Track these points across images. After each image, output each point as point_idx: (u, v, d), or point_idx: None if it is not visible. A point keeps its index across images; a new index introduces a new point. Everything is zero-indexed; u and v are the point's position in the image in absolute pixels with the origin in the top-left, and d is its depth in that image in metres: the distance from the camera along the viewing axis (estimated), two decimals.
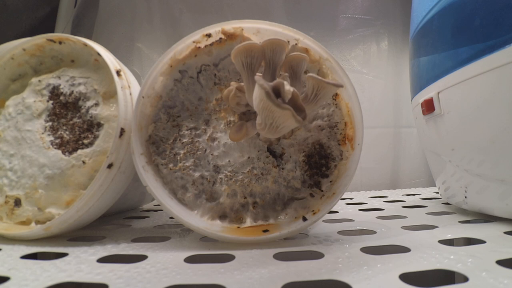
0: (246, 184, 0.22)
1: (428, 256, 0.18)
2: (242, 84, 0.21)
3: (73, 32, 0.51)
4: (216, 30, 0.23)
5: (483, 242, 0.20)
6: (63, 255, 0.20)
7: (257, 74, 0.19)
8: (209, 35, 0.23)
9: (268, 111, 0.16)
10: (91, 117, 0.24)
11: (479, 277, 0.15)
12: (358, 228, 0.26)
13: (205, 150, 0.22)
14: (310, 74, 0.17)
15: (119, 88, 0.23)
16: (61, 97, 0.25)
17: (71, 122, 0.25)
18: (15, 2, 0.43)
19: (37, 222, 0.23)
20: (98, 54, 0.24)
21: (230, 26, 0.23)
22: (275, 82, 0.16)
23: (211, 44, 0.23)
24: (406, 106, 0.56)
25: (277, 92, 0.16)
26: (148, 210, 0.38)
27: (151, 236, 0.25)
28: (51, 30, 0.50)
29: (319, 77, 0.17)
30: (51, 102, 0.25)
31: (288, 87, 0.16)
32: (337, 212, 0.33)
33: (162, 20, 0.55)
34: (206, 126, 0.23)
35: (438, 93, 0.27)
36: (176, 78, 0.23)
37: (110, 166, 0.22)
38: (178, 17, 0.55)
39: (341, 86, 0.19)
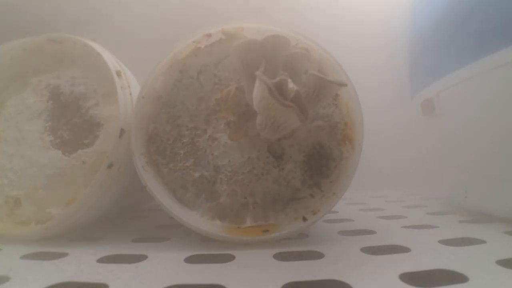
0: (246, 184, 0.22)
1: (428, 256, 0.18)
2: (242, 84, 0.21)
3: None
4: (216, 30, 0.23)
5: (483, 242, 0.20)
6: (63, 255, 0.20)
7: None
8: (209, 35, 0.23)
9: (270, 109, 0.16)
10: (91, 117, 0.24)
11: (479, 277, 0.15)
12: (358, 228, 0.26)
13: (205, 150, 0.22)
14: (312, 72, 0.17)
15: (119, 88, 0.23)
16: (61, 97, 0.25)
17: (71, 122, 0.25)
18: None
19: (37, 222, 0.23)
20: (98, 54, 0.24)
21: (231, 26, 0.23)
22: (278, 79, 0.16)
23: (211, 44, 0.23)
24: (406, 105, 0.56)
25: (279, 90, 0.16)
26: (148, 210, 0.38)
27: (151, 236, 0.25)
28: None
29: (322, 75, 0.17)
30: (51, 102, 0.25)
31: (291, 85, 0.16)
32: (337, 212, 0.33)
33: None
34: (206, 126, 0.23)
35: (438, 93, 0.27)
36: (177, 78, 0.23)
37: (110, 166, 0.22)
38: None
39: (345, 85, 0.19)
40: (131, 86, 0.25)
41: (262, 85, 0.16)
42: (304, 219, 0.22)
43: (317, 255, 0.19)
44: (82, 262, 0.18)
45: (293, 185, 0.22)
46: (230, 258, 0.19)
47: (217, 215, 0.22)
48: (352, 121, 0.23)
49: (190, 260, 0.19)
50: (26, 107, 0.25)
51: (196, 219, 0.22)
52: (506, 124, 0.22)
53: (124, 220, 0.31)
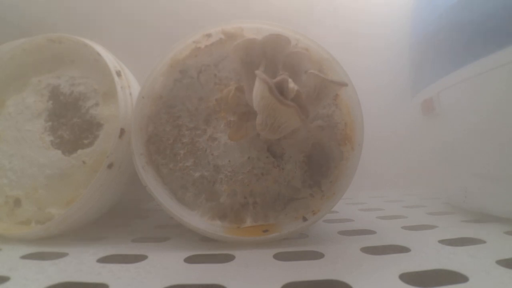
0: (246, 184, 0.22)
1: (428, 256, 0.18)
2: (242, 84, 0.21)
3: None
4: (216, 30, 0.23)
5: (483, 242, 0.20)
6: (63, 255, 0.20)
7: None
8: (209, 35, 0.23)
9: (270, 108, 0.16)
10: (91, 117, 0.24)
11: (479, 277, 0.15)
12: (358, 228, 0.26)
13: (205, 150, 0.22)
14: (313, 71, 0.17)
15: (119, 88, 0.23)
16: (61, 97, 0.25)
17: (71, 122, 0.25)
18: None
19: (37, 222, 0.23)
20: (98, 54, 0.24)
21: (230, 26, 0.23)
22: (278, 78, 0.16)
23: (211, 44, 0.23)
24: (406, 105, 0.56)
25: (280, 89, 0.16)
26: (148, 210, 0.38)
27: (151, 236, 0.25)
28: None
29: (323, 75, 0.17)
30: (51, 102, 0.25)
31: (292, 85, 0.16)
32: (337, 212, 0.33)
33: None
34: (206, 126, 0.23)
35: (438, 93, 0.27)
36: (177, 78, 0.23)
37: (110, 166, 0.22)
38: None
39: (346, 85, 0.19)
40: (131, 86, 0.25)
41: (262, 84, 0.16)
42: (304, 219, 0.22)
43: (317, 255, 0.19)
44: (82, 262, 0.18)
45: (293, 185, 0.22)
46: (230, 258, 0.19)
47: (217, 215, 0.22)
48: (352, 121, 0.23)
49: (190, 260, 0.19)
50: (26, 107, 0.25)
51: (196, 219, 0.22)
52: (506, 124, 0.22)
53: (124, 220, 0.31)
